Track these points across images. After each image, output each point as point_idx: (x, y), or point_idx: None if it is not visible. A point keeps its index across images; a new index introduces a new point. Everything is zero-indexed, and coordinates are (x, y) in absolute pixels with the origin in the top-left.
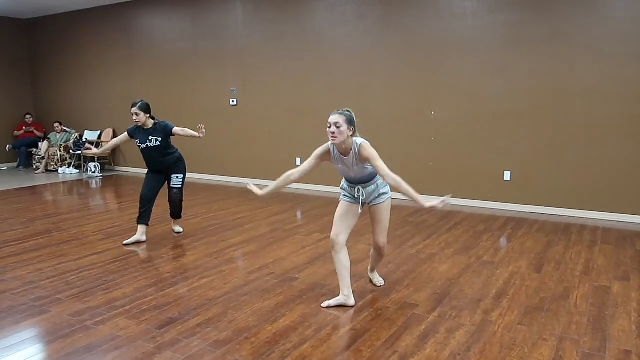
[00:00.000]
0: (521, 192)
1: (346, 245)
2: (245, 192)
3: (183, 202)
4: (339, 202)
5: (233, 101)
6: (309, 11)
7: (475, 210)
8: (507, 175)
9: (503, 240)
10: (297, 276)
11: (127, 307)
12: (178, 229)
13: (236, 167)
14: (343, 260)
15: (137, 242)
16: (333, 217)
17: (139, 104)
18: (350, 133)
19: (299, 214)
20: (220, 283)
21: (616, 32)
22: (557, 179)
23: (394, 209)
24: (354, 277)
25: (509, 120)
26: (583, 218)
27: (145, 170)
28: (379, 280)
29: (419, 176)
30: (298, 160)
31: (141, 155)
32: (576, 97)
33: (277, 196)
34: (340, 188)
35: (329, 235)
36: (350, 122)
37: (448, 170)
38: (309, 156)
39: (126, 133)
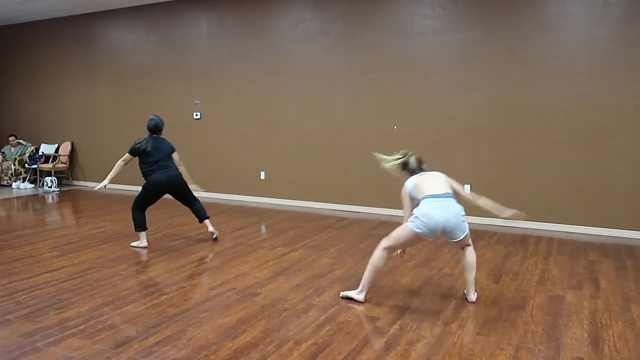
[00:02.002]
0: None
1: (309, 258)
2: (208, 207)
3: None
4: None
5: (197, 115)
6: (273, 27)
7: None
8: (467, 188)
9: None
10: (259, 291)
11: (81, 327)
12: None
13: (199, 181)
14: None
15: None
16: (296, 232)
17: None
18: (408, 175)
19: (263, 228)
20: (180, 300)
21: (567, 51)
22: (515, 192)
23: (358, 222)
24: (316, 290)
25: (469, 135)
26: (539, 229)
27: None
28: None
29: (382, 189)
30: (262, 174)
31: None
32: (532, 112)
33: (241, 210)
34: None
35: (293, 250)
36: (402, 167)
37: None
38: (274, 170)
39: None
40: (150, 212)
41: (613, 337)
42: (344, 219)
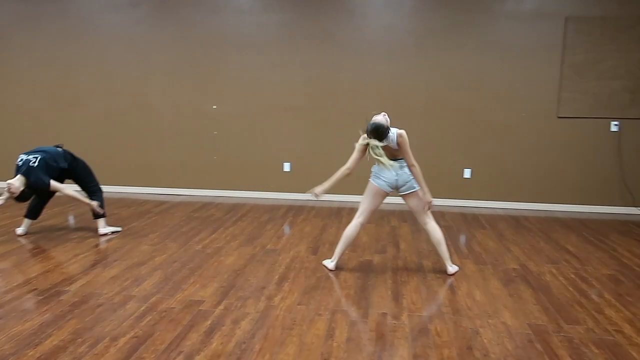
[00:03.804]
0: (300, 182)
1: (126, 246)
2: None
3: None
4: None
5: None
6: None
7: (259, 201)
8: (287, 167)
9: (285, 228)
10: (67, 289)
11: None
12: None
13: None
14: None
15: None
16: (110, 219)
17: None
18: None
19: (70, 218)
20: None
21: (370, 37)
22: (329, 168)
23: (179, 205)
24: (135, 280)
25: (287, 114)
26: (351, 202)
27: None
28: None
29: (204, 171)
30: None
31: None
32: (343, 93)
33: None
34: None
35: (107, 239)
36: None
37: (232, 163)
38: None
39: None
40: None
41: (410, 292)
42: (165, 202)
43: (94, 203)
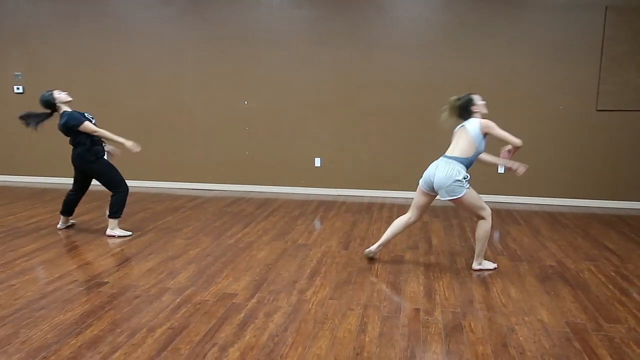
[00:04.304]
0: (331, 177)
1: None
2: (40, 193)
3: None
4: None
5: (18, 88)
6: None
7: (290, 196)
8: (317, 162)
9: (316, 223)
10: (106, 280)
11: None
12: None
13: (26, 164)
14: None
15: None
16: (145, 214)
17: None
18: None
19: (107, 213)
20: (9, 299)
21: (400, 31)
22: (360, 163)
23: (212, 200)
24: (170, 273)
25: (316, 110)
26: (382, 197)
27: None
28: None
29: (236, 166)
30: None
31: None
32: (372, 89)
33: None
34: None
35: (142, 233)
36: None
37: (263, 158)
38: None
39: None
40: None
41: (443, 287)
42: (197, 197)
43: (129, 143)
